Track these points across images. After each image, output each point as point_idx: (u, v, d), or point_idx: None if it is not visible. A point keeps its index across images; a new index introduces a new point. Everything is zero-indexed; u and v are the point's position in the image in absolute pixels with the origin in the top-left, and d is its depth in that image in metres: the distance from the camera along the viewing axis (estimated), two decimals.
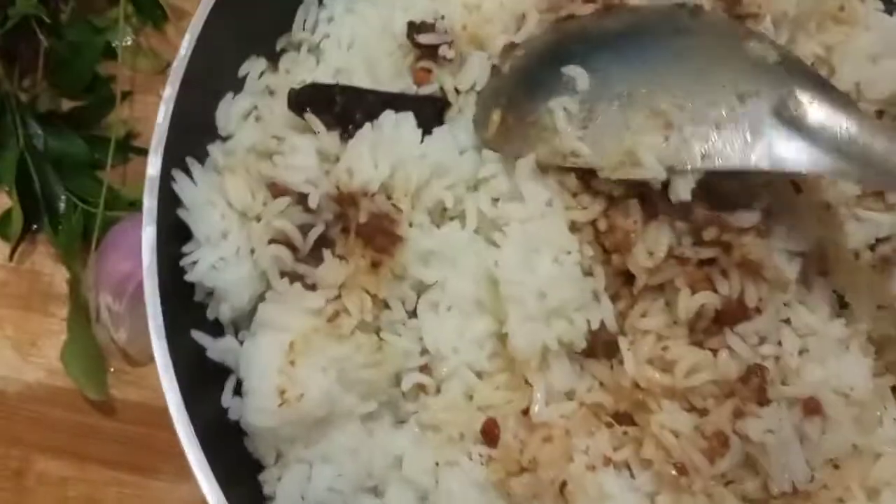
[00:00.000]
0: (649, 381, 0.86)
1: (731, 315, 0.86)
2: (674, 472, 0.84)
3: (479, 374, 0.93)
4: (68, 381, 1.17)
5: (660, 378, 0.85)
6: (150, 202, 0.86)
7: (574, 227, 0.93)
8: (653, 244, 0.87)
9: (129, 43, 1.36)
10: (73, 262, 1.22)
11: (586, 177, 0.92)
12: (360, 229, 0.91)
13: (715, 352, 0.86)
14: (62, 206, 1.25)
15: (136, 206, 1.21)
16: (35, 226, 1.26)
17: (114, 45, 1.33)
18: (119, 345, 1.17)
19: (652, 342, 0.87)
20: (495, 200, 0.95)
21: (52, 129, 1.29)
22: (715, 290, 0.87)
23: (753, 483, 0.84)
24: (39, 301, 1.24)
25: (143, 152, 1.24)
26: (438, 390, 0.95)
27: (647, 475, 0.87)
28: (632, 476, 0.88)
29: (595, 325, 0.88)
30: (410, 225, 0.95)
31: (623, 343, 0.88)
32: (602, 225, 0.91)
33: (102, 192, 1.22)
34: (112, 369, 1.20)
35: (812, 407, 0.85)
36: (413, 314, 0.96)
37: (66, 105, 1.33)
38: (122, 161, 1.29)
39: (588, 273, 0.90)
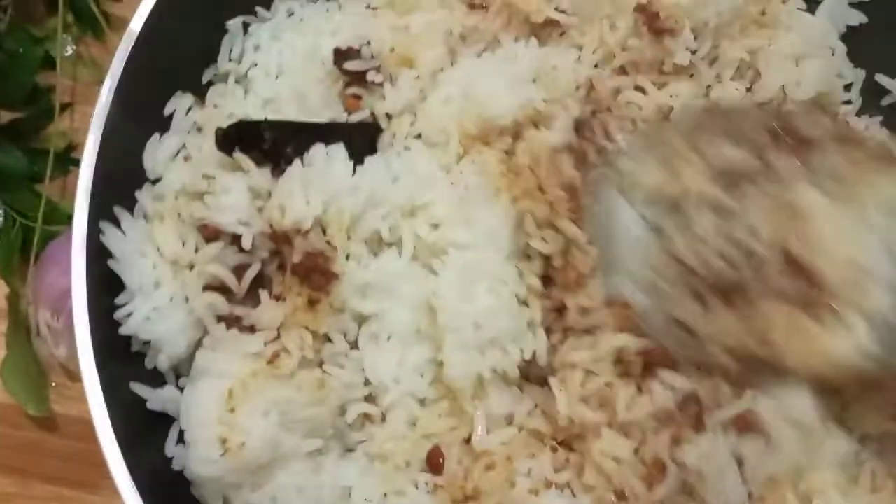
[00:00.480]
0: (583, 418, 0.88)
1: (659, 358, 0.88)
2: (613, 499, 0.87)
3: (423, 402, 0.95)
4: (8, 397, 1.16)
5: (593, 416, 0.88)
6: (78, 257, 0.84)
7: (525, 255, 0.95)
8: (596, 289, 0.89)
9: (68, 53, 1.34)
10: (12, 276, 1.21)
11: (554, 213, 0.94)
12: (295, 268, 0.91)
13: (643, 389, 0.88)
14: (0, 220, 1.23)
15: (74, 210, 1.22)
16: None
17: (53, 55, 1.31)
18: (59, 360, 1.17)
19: (580, 377, 0.89)
20: (434, 226, 0.95)
21: None
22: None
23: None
24: None
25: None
26: (384, 419, 0.96)
27: (589, 499, 0.89)
28: (573, 496, 0.90)
29: (528, 356, 0.90)
30: (347, 258, 0.95)
31: (554, 382, 0.90)
32: (558, 262, 0.93)
33: (41, 206, 1.20)
34: (53, 384, 1.19)
35: (746, 423, 0.88)
36: (355, 345, 0.97)
37: (5, 117, 1.31)
38: (62, 173, 1.27)
39: (523, 303, 0.92)
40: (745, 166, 0.91)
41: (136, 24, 0.95)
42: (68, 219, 1.19)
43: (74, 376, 1.19)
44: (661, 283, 0.91)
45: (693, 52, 1.07)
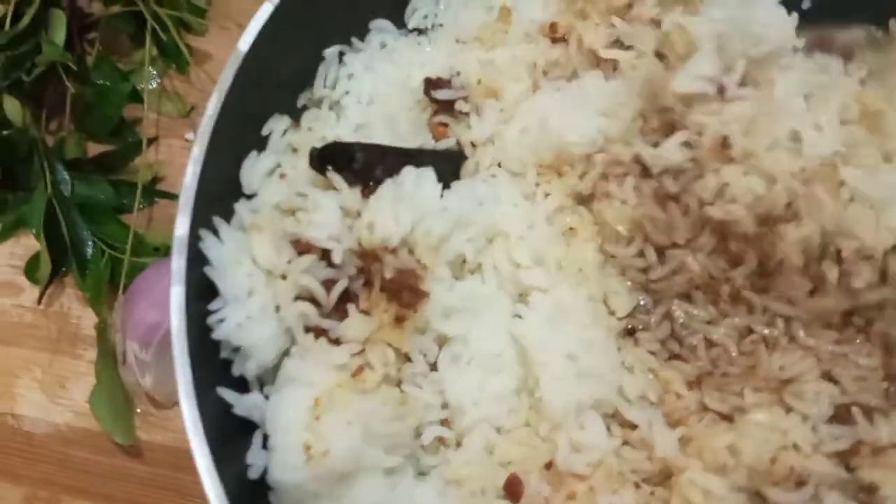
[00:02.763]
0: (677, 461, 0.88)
1: None
2: None
3: (499, 429, 0.94)
4: (96, 424, 1.19)
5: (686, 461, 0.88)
6: (178, 262, 0.87)
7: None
8: None
9: (153, 87, 1.38)
10: (101, 306, 1.23)
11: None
12: (385, 285, 0.93)
13: None
14: (89, 250, 1.26)
15: (160, 251, 1.26)
16: (63, 269, 1.28)
17: (139, 89, 1.35)
18: (145, 389, 1.19)
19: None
20: (515, 265, 0.98)
21: (79, 174, 1.31)
22: None
23: None
24: (68, 344, 1.26)
25: (169, 196, 1.31)
26: (459, 444, 0.95)
27: None
28: None
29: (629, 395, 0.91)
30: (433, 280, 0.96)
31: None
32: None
33: (129, 238, 1.23)
34: (139, 410, 1.21)
35: None
36: (434, 367, 0.97)
37: (93, 149, 1.35)
38: (148, 205, 1.32)
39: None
40: None
41: (244, 43, 0.99)
42: (155, 250, 1.26)
43: (159, 404, 1.22)
44: None
45: None
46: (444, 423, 0.96)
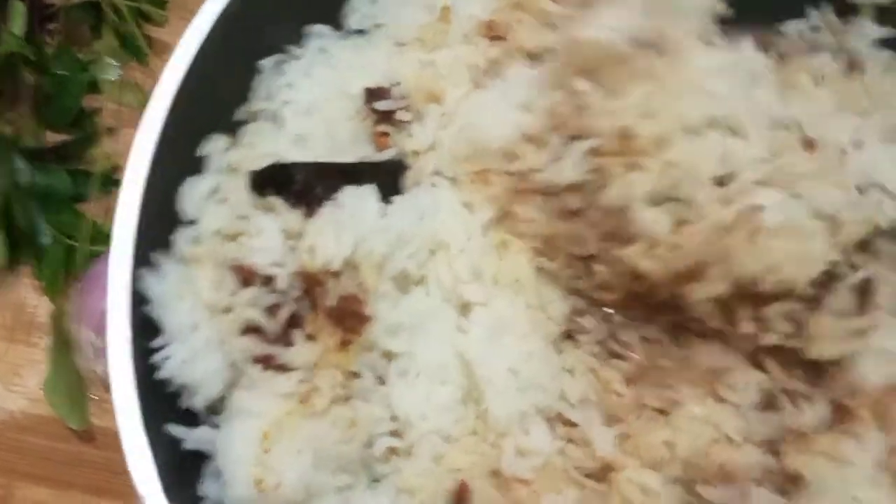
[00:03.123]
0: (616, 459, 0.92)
1: None
2: None
3: (448, 438, 0.97)
4: (50, 410, 1.21)
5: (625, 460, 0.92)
6: (116, 302, 0.88)
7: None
8: None
9: (113, 77, 1.38)
10: (57, 294, 1.26)
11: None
12: (328, 312, 0.94)
13: None
14: (46, 240, 1.28)
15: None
16: (20, 258, 1.29)
17: (98, 79, 1.36)
18: (100, 376, 1.21)
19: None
20: (455, 277, 0.99)
21: (36, 163, 1.31)
22: None
23: None
24: (23, 332, 1.28)
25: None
26: (410, 452, 0.99)
27: None
28: None
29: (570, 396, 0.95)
30: (377, 298, 0.98)
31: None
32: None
33: (85, 227, 1.25)
34: (94, 397, 1.24)
35: None
36: (382, 381, 0.99)
37: (52, 139, 1.36)
38: (106, 195, 1.32)
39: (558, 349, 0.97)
40: None
41: (172, 67, 0.97)
42: (111, 239, 1.25)
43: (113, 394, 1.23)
44: None
45: None
46: (395, 433, 0.99)
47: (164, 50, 1.40)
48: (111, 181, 1.33)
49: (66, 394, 1.20)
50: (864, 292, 1.02)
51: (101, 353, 1.15)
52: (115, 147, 1.36)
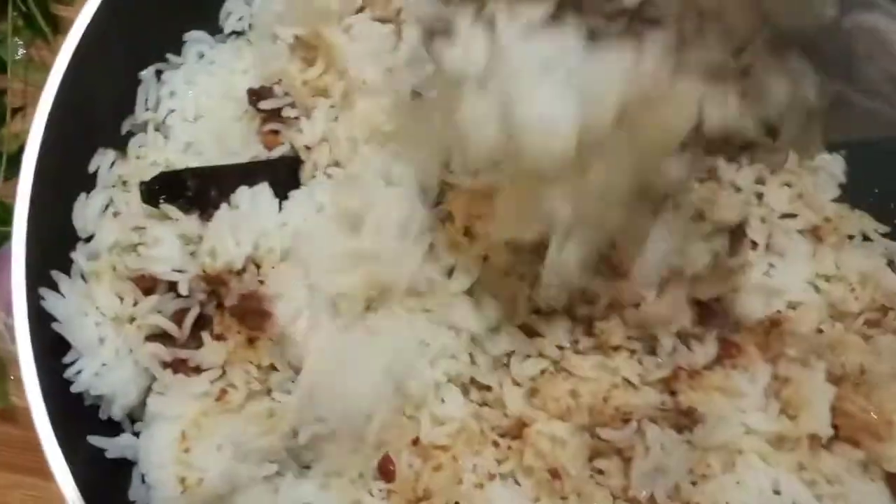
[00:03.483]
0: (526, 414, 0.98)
1: None
2: (548, 477, 0.95)
3: (369, 417, 1.00)
4: None
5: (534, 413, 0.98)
6: (21, 325, 0.88)
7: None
8: None
9: (19, 56, 1.36)
10: None
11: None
12: (231, 310, 0.96)
13: None
14: None
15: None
16: None
17: (4, 58, 1.34)
18: (16, 355, 1.19)
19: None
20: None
21: None
22: None
23: (617, 482, 0.96)
24: None
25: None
26: (334, 436, 1.02)
27: (530, 483, 0.97)
28: (517, 484, 0.99)
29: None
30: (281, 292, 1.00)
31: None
32: None
33: None
34: (12, 377, 1.23)
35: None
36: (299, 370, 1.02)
37: None
38: (15, 175, 1.27)
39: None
40: None
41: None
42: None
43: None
44: None
45: None
46: (319, 418, 1.02)
47: (69, 27, 1.32)
48: (20, 162, 1.29)
49: None
50: (736, 234, 1.11)
51: (14, 331, 1.14)
52: (22, 126, 1.32)
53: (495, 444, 1.02)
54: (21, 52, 1.36)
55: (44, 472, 1.14)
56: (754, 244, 1.12)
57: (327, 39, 1.11)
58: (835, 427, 1.02)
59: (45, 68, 1.31)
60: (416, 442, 1.01)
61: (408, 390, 1.00)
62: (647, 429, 0.97)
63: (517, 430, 1.02)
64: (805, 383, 1.02)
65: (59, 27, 1.37)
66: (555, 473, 0.97)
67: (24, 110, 1.33)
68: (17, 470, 1.19)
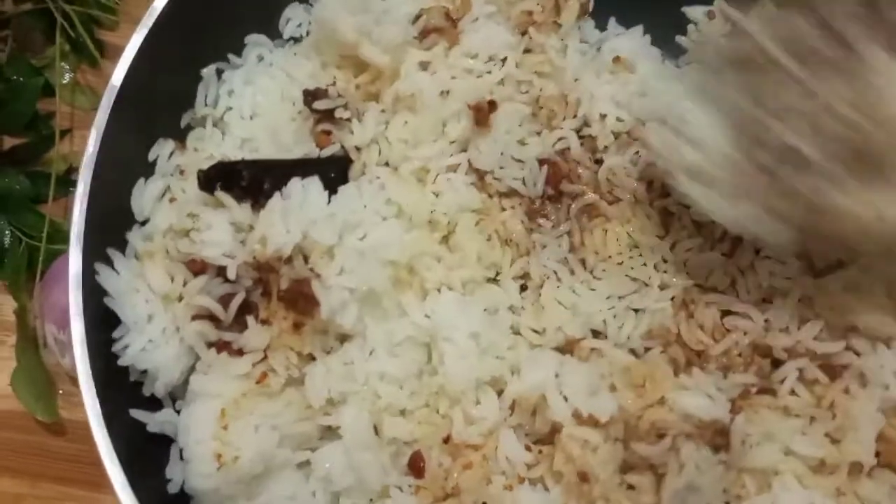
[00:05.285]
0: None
1: None
2: (577, 481, 0.95)
3: (403, 412, 1.02)
4: (19, 405, 1.23)
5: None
6: (75, 297, 0.92)
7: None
8: None
9: (66, 81, 1.42)
10: (20, 293, 1.28)
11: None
12: (281, 295, 0.99)
13: None
14: (7, 240, 1.31)
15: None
16: None
17: (52, 83, 1.39)
18: (66, 369, 1.24)
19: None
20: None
21: None
22: None
23: (648, 498, 0.95)
24: None
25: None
26: None
27: (559, 488, 0.97)
28: (546, 490, 0.98)
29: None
30: (329, 281, 1.02)
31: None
32: None
33: (45, 227, 1.28)
34: (61, 391, 1.26)
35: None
36: None
37: (7, 143, 1.38)
38: (63, 195, 1.36)
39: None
40: (819, 44, 0.89)
41: (118, 76, 1.03)
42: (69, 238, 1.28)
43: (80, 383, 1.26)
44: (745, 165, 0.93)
45: None
46: None
47: (116, 53, 1.37)
48: (68, 182, 1.36)
49: (34, 388, 1.22)
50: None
51: (65, 347, 1.19)
52: (70, 148, 1.40)
53: (528, 448, 1.02)
54: (68, 76, 1.42)
55: (91, 484, 1.20)
56: None
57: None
58: (876, 453, 1.00)
59: (92, 92, 1.41)
60: (447, 440, 1.01)
61: (448, 385, 1.00)
62: (682, 446, 0.96)
63: (550, 436, 1.02)
64: (857, 410, 1.00)
65: (104, 52, 1.44)
66: (584, 477, 0.96)
67: (71, 132, 1.40)
68: (65, 482, 1.23)
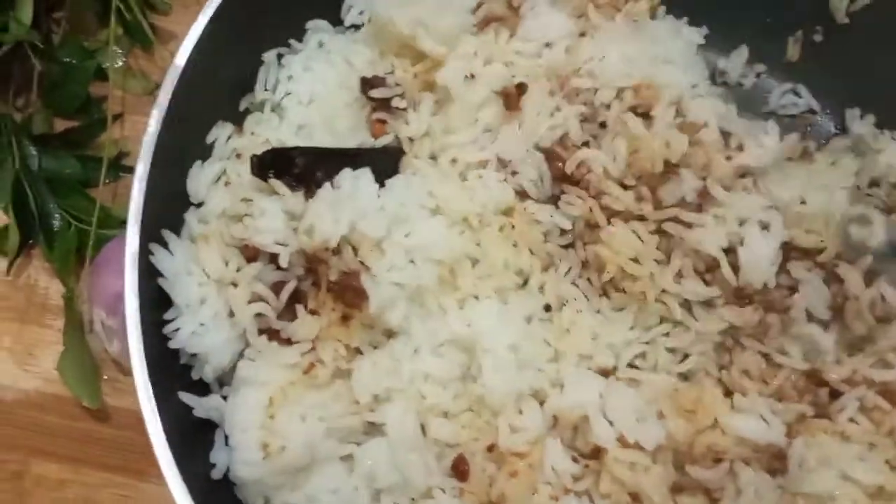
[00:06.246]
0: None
1: None
2: (628, 501, 0.93)
3: (446, 414, 1.00)
4: (64, 390, 1.24)
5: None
6: (131, 276, 0.92)
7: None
8: None
9: (119, 65, 1.41)
10: (68, 276, 1.28)
11: None
12: (330, 286, 0.98)
13: None
14: (57, 223, 1.30)
15: (126, 224, 1.28)
16: (31, 241, 1.31)
17: (104, 67, 1.38)
18: (112, 355, 1.23)
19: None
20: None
21: (46, 149, 1.34)
22: None
23: None
24: (36, 313, 1.31)
25: (133, 171, 1.30)
26: None
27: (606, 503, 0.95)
28: (591, 502, 0.96)
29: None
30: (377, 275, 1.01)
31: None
32: None
33: (95, 211, 1.27)
34: (105, 377, 1.26)
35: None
36: None
37: (60, 125, 1.39)
38: (114, 179, 1.35)
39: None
40: None
41: (181, 58, 1.02)
42: (120, 223, 1.27)
43: (126, 370, 1.23)
44: None
45: None
46: None
47: (168, 38, 1.43)
48: (119, 166, 1.35)
49: (80, 373, 1.21)
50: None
51: (113, 333, 1.19)
52: (121, 133, 1.38)
53: (574, 460, 0.99)
54: (121, 60, 1.41)
55: (134, 471, 1.20)
56: None
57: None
58: None
59: (144, 76, 1.40)
60: (491, 448, 0.99)
61: (488, 397, 0.99)
62: (740, 471, 0.93)
63: (595, 453, 0.99)
64: None
65: (157, 37, 1.42)
66: (635, 498, 0.94)
67: (122, 117, 1.39)
68: (108, 469, 1.23)
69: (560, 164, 1.07)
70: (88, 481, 1.22)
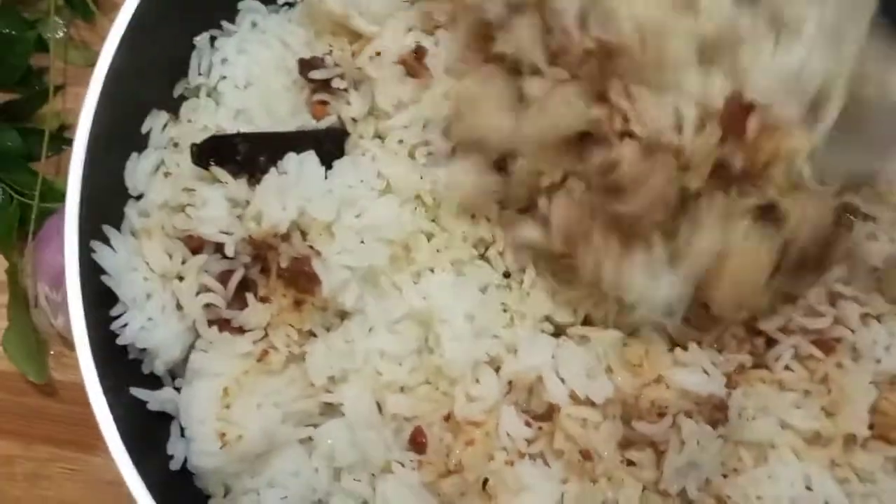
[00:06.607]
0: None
1: None
2: (579, 458, 0.95)
3: (402, 389, 1.01)
4: (10, 365, 1.23)
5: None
6: (72, 275, 0.90)
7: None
8: None
9: (60, 36, 1.38)
10: (11, 251, 1.27)
11: None
12: (281, 272, 0.98)
13: None
14: None
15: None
16: None
17: (45, 38, 1.35)
18: (58, 330, 1.22)
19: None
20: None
21: None
22: None
23: (649, 474, 0.96)
24: None
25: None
26: None
27: (559, 464, 0.98)
28: (546, 465, 0.99)
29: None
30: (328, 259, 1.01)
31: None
32: None
33: (38, 184, 1.25)
34: (52, 352, 1.25)
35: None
36: None
37: (0, 98, 1.35)
38: (56, 152, 1.33)
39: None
40: None
41: (108, 49, 0.99)
42: (63, 196, 1.22)
43: (72, 345, 1.19)
44: None
45: None
46: None
47: (111, 8, 1.39)
48: (61, 139, 1.33)
49: (25, 348, 1.22)
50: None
51: (57, 307, 1.17)
52: (63, 105, 1.36)
53: (527, 423, 1.02)
54: (62, 31, 1.38)
55: (83, 445, 1.20)
56: None
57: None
58: (870, 425, 1.01)
59: (86, 47, 1.36)
60: (448, 417, 1.01)
61: (447, 366, 1.00)
62: (683, 424, 0.96)
63: (548, 414, 1.02)
64: (850, 383, 1.01)
65: (99, 7, 1.39)
66: (586, 455, 0.97)
67: (63, 89, 1.36)
68: (56, 444, 1.22)
69: None
70: (37, 456, 1.22)
